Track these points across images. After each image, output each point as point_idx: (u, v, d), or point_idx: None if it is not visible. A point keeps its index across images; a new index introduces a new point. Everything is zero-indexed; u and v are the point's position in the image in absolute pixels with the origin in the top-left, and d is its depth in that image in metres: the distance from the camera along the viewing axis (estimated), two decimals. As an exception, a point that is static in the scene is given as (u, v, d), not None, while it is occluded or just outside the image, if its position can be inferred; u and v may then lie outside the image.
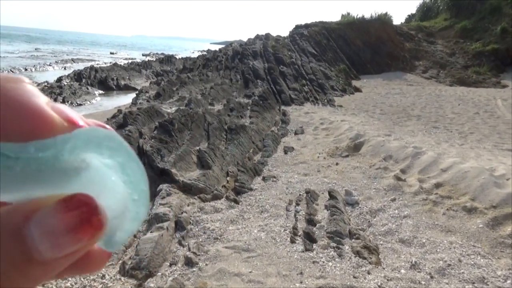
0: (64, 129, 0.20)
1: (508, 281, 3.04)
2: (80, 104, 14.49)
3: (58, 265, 0.19)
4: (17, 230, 0.18)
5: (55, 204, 0.19)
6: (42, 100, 0.20)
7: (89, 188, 0.20)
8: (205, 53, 20.10)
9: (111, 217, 0.21)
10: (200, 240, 3.61)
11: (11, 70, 22.47)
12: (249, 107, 9.41)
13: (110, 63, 24.49)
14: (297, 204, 4.52)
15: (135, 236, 3.52)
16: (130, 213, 0.24)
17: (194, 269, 3.15)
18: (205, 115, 7.13)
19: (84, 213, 0.19)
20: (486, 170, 4.86)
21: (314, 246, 3.60)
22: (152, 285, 2.92)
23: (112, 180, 0.22)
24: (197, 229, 3.78)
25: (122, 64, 23.33)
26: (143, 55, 45.72)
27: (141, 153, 5.22)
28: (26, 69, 23.83)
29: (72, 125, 0.21)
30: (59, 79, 16.89)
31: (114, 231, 0.23)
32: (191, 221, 3.90)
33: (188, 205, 4.21)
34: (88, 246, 0.19)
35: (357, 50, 21.33)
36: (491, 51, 21.20)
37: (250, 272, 3.13)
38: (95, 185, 0.21)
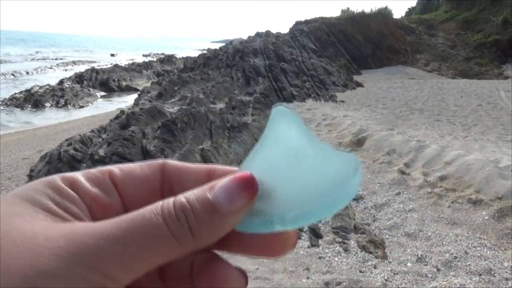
0: None
1: (515, 272, 3.03)
2: (82, 106, 14.54)
3: (232, 217, 0.28)
4: (204, 194, 0.28)
5: (233, 175, 0.29)
6: None
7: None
8: (205, 51, 20.12)
9: (272, 190, 0.30)
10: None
11: (12, 74, 22.54)
12: (251, 105, 9.41)
13: (111, 64, 24.55)
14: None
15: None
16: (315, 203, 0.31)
17: (201, 267, 3.16)
18: (207, 114, 7.14)
19: (248, 182, 0.29)
20: (490, 161, 4.84)
21: (320, 241, 3.60)
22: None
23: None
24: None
25: (123, 65, 23.38)
26: (143, 55, 45.76)
27: (145, 154, 5.24)
28: (28, 73, 23.92)
29: None
30: (61, 82, 16.95)
31: (286, 211, 0.31)
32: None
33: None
34: (250, 205, 0.29)
35: (358, 45, 21.25)
36: (492, 42, 21.07)
37: (256, 268, 3.15)
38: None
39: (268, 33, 19.15)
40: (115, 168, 0.33)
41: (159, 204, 0.28)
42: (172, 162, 0.35)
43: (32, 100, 14.02)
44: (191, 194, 0.29)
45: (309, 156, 0.32)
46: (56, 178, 0.30)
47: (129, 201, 0.33)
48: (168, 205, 0.28)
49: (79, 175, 0.32)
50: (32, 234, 0.25)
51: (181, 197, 0.28)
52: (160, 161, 0.35)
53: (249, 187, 0.29)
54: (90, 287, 0.24)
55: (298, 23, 21.69)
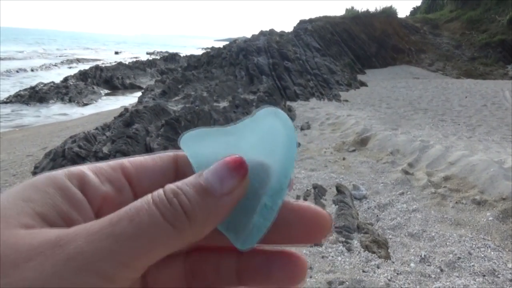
0: None
1: (519, 274, 3.02)
2: (86, 104, 14.57)
3: (226, 198, 0.27)
4: (194, 179, 0.28)
5: (223, 159, 0.29)
6: None
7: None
8: (209, 50, 20.12)
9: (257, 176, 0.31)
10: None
11: (17, 71, 22.65)
12: (254, 104, 9.41)
13: (115, 62, 24.59)
14: (305, 200, 4.52)
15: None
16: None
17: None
18: (211, 113, 7.14)
19: (237, 163, 0.28)
20: (494, 162, 4.82)
21: (323, 240, 3.60)
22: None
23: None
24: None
25: (127, 63, 23.41)
26: (147, 53, 45.79)
27: (148, 151, 5.25)
28: (32, 70, 24.02)
29: None
30: (65, 79, 16.99)
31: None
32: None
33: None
34: (242, 185, 0.28)
35: (362, 44, 21.19)
36: (498, 42, 20.96)
37: (259, 267, 3.15)
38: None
39: (272, 31, 19.11)
40: (126, 162, 0.32)
41: (149, 195, 0.26)
42: (184, 153, 0.33)
43: (36, 97, 14.08)
44: (181, 182, 0.28)
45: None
46: (62, 175, 0.28)
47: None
48: (159, 193, 0.26)
49: (87, 171, 0.30)
50: (15, 246, 0.23)
51: (170, 185, 0.27)
52: (171, 153, 0.34)
53: (239, 167, 0.29)
54: None
55: (302, 22, 21.64)
